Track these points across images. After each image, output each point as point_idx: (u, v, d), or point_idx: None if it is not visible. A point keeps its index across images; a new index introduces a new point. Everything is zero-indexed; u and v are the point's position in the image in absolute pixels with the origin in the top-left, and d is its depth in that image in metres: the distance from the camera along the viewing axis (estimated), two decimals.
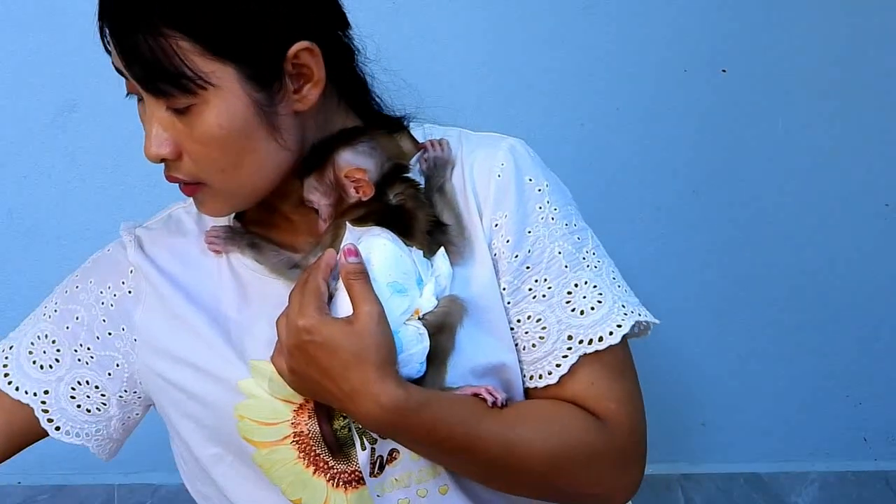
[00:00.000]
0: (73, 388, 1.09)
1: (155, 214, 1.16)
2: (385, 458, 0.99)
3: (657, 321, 1.03)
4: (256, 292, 1.04)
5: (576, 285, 1.01)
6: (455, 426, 0.93)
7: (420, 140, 1.05)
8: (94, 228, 1.72)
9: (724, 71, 1.81)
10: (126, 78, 0.98)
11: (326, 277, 0.94)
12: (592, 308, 1.00)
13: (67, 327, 1.09)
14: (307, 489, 1.00)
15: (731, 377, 1.89)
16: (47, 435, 1.11)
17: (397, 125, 1.06)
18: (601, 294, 1.01)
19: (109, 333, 1.08)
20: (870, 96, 1.84)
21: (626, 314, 1.01)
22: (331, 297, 0.94)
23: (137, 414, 1.13)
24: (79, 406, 1.09)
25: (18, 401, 1.09)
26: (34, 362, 1.10)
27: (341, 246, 0.95)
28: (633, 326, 1.01)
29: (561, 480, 0.99)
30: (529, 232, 1.02)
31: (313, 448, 1.00)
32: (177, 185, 1.01)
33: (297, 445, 1.00)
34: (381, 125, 1.05)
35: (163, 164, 1.00)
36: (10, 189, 1.71)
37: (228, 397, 1.01)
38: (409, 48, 1.72)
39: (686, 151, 1.82)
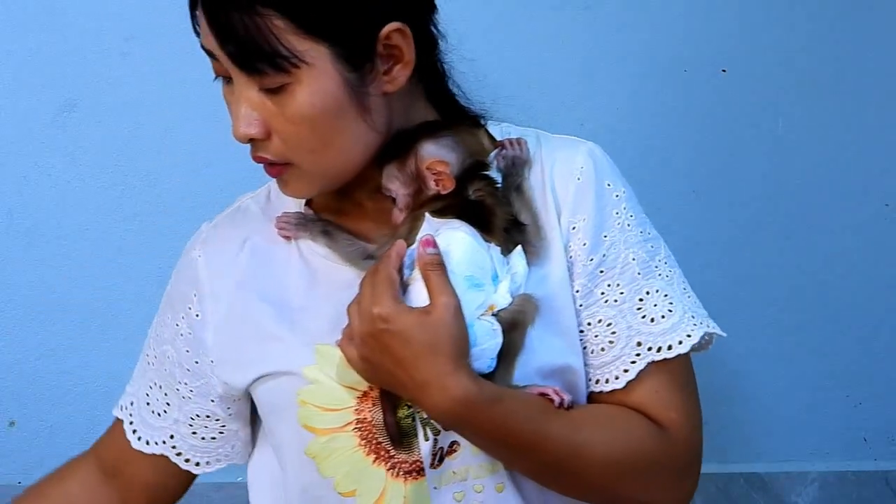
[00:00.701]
0: (191, 425, 1.12)
1: (224, 209, 1.15)
2: (445, 450, 0.98)
3: (724, 334, 1.04)
4: (325, 277, 1.04)
5: (647, 293, 1.02)
6: (523, 424, 0.93)
7: (497, 138, 1.05)
8: (94, 228, 1.72)
9: (724, 71, 1.81)
10: (214, 59, 0.97)
11: (397, 267, 0.93)
12: (663, 316, 1.01)
13: (166, 369, 1.12)
14: (364, 479, 0.99)
15: (731, 377, 1.89)
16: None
17: (475, 121, 1.07)
18: (672, 303, 1.02)
19: (196, 362, 1.09)
20: (870, 96, 1.84)
21: (695, 325, 1.01)
22: (404, 287, 0.94)
23: (251, 410, 1.13)
24: (203, 438, 1.12)
25: (153, 454, 1.13)
26: (153, 412, 1.13)
27: (418, 237, 0.95)
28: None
29: (619, 485, 0.99)
30: (606, 237, 1.02)
31: (375, 436, 0.99)
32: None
33: (359, 432, 0.99)
34: (461, 119, 1.06)
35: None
36: (10, 189, 1.71)
37: (292, 384, 1.01)
38: None
39: (686, 151, 1.82)
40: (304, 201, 1.10)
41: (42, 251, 1.72)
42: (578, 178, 1.03)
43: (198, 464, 1.13)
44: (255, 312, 1.05)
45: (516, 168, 1.02)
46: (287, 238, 1.07)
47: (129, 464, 1.15)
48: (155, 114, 1.70)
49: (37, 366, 1.73)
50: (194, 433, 1.12)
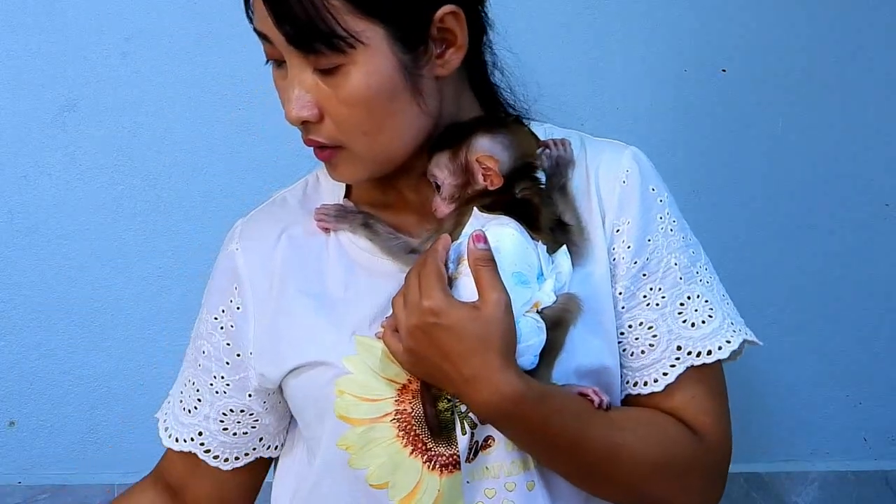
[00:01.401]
0: (222, 421, 1.11)
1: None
2: (480, 444, 0.98)
3: (761, 343, 1.05)
4: (365, 268, 1.04)
5: (688, 297, 1.02)
6: (567, 422, 0.93)
7: (541, 138, 1.06)
8: (94, 228, 1.72)
9: (724, 71, 1.81)
10: (268, 42, 0.97)
11: (444, 260, 0.93)
12: (703, 322, 1.02)
13: (200, 365, 1.11)
14: (399, 471, 0.99)
15: (731, 377, 1.88)
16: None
17: (517, 120, 1.07)
18: (712, 309, 1.03)
19: (238, 355, 1.09)
20: (870, 96, 1.84)
21: (734, 331, 1.03)
22: (449, 281, 0.94)
23: (284, 403, 1.12)
24: (234, 434, 1.11)
25: (181, 451, 1.12)
26: (184, 409, 1.12)
27: (464, 231, 0.96)
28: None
29: (652, 487, 0.99)
30: (649, 240, 1.03)
31: (414, 427, 0.99)
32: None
33: (398, 423, 0.99)
34: (508, 116, 1.06)
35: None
36: (10, 189, 1.71)
37: (330, 374, 1.00)
38: None
39: (686, 151, 1.82)
40: (342, 194, 1.09)
41: (42, 251, 1.72)
42: (623, 182, 1.03)
43: (226, 459, 1.12)
44: (294, 303, 1.04)
45: (560, 168, 1.02)
46: (326, 230, 1.06)
47: (188, 488, 1.15)
48: (155, 114, 1.70)
49: (37, 366, 1.73)
50: (225, 429, 1.11)
